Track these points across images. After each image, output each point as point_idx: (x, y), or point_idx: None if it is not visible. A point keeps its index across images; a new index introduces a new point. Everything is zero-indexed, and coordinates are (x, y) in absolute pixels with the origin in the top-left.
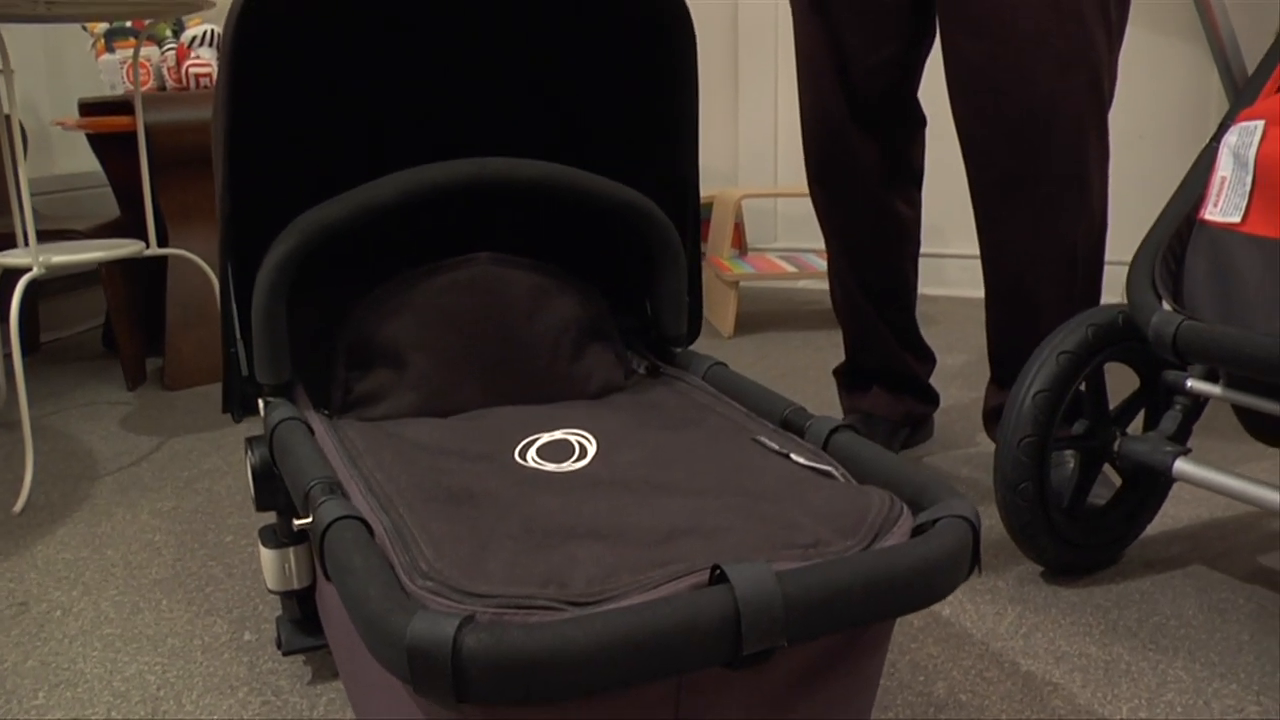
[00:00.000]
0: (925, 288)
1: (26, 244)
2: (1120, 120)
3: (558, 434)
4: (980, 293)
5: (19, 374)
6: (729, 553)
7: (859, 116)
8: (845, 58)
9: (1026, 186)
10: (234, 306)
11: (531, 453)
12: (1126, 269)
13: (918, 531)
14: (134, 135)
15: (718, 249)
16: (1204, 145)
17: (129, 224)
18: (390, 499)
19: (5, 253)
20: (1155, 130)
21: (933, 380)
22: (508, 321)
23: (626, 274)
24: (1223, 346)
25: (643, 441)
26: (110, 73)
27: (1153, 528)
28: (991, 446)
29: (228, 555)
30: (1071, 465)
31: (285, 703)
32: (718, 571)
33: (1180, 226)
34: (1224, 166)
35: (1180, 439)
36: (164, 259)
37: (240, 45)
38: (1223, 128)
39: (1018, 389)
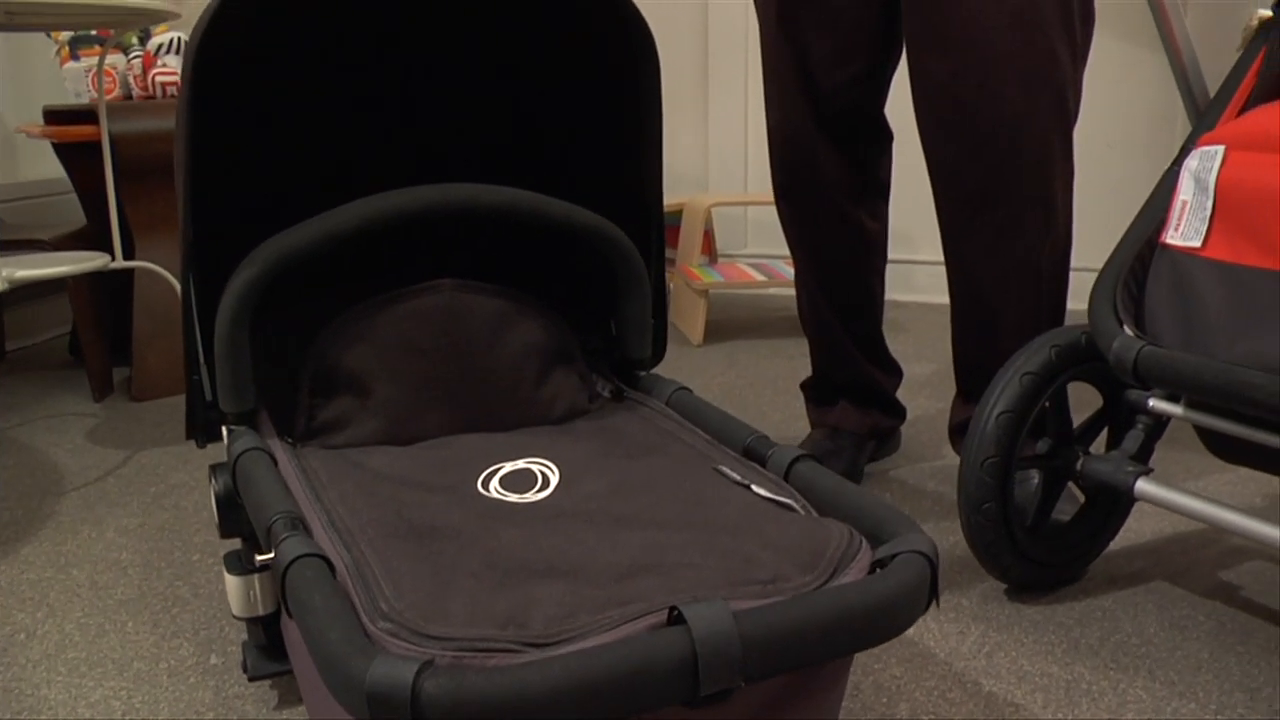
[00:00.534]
0: (894, 294)
1: None
2: (1089, 129)
3: (520, 463)
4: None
5: None
6: (688, 590)
7: (826, 131)
8: (812, 73)
9: (991, 204)
10: (197, 333)
11: (494, 483)
12: (1095, 277)
13: (877, 565)
14: (100, 144)
15: (687, 257)
16: (1173, 155)
17: (96, 233)
18: (352, 534)
19: None
20: (1124, 139)
21: (900, 390)
22: (471, 348)
23: (591, 295)
24: (1182, 373)
25: (605, 470)
26: (75, 80)
27: (1117, 542)
28: (957, 460)
29: (194, 575)
30: (1035, 482)
31: None
32: (675, 612)
33: (1142, 250)
34: (1185, 190)
35: (1143, 458)
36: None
37: (200, 73)
38: (1184, 151)
39: (981, 409)
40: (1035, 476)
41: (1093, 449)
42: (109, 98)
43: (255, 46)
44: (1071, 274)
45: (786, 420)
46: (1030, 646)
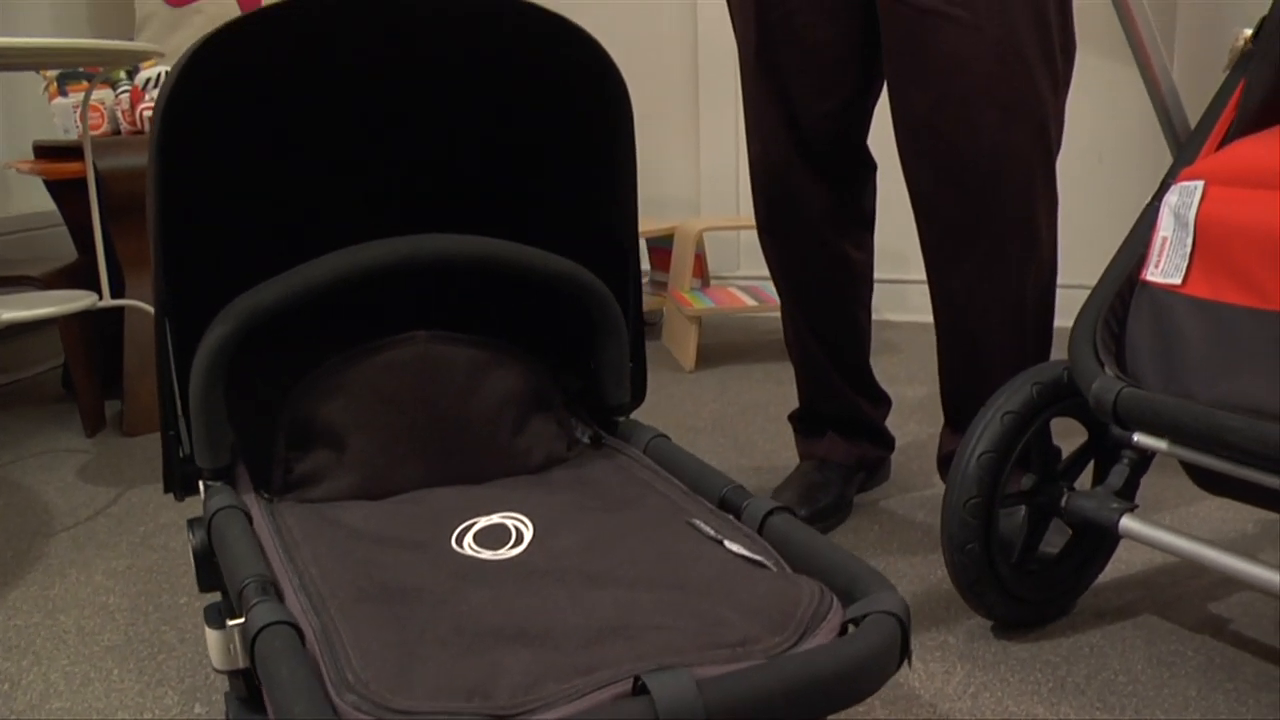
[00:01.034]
0: (888, 314)
1: None
2: (1080, 142)
3: (495, 518)
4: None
5: None
6: (655, 656)
7: (808, 163)
8: (792, 105)
9: (973, 235)
10: (175, 387)
11: (468, 539)
12: (1086, 295)
13: (848, 624)
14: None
15: (679, 282)
16: (1166, 168)
17: (87, 267)
18: (323, 598)
19: None
20: (1115, 152)
21: (892, 414)
22: (447, 400)
23: (569, 338)
24: (1161, 416)
25: (579, 525)
26: (63, 116)
27: (1106, 573)
28: None
29: (181, 619)
30: (1021, 515)
31: None
32: (639, 682)
33: (1122, 287)
34: (1165, 227)
35: (1128, 493)
36: None
37: (168, 132)
38: (1164, 186)
39: (962, 450)
40: (1021, 511)
41: (1080, 483)
42: (97, 133)
43: (223, 102)
44: (1065, 290)
45: (776, 450)
46: (1016, 686)
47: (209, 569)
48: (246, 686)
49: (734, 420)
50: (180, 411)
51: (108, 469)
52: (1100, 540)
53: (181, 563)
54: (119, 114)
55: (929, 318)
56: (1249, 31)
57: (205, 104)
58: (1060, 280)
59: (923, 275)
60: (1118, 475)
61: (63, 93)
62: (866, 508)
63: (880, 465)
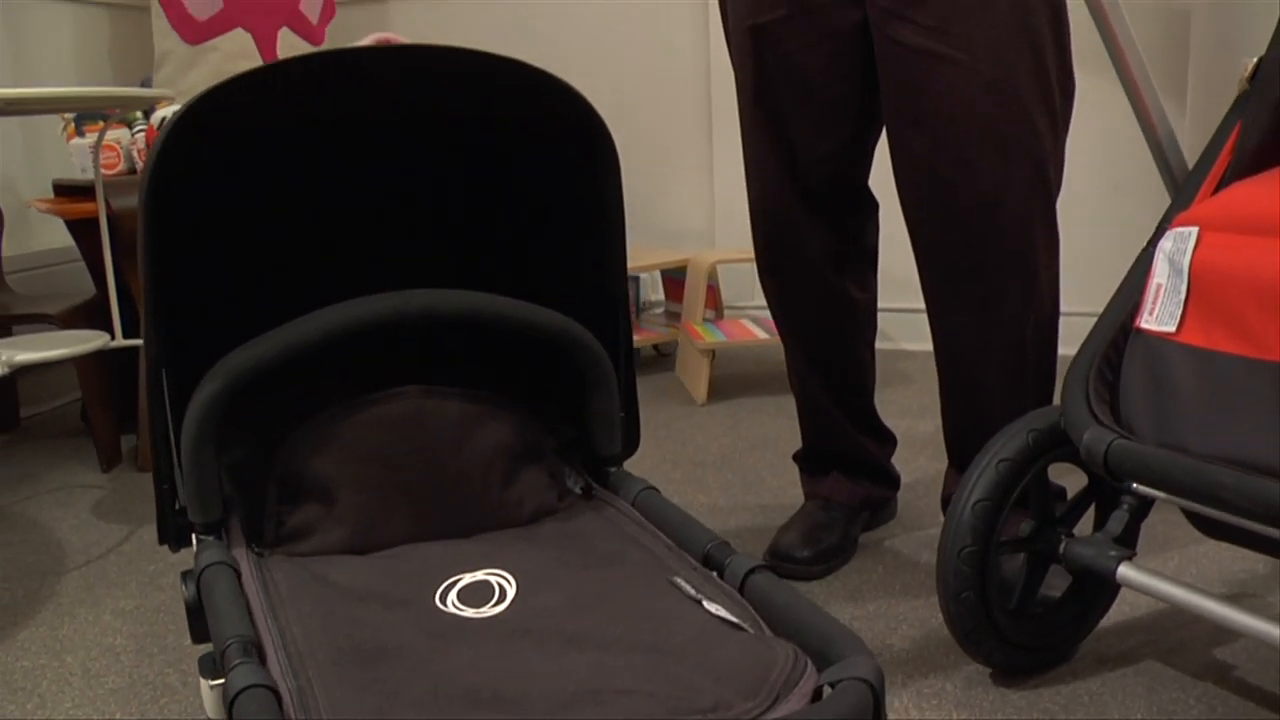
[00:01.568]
0: (903, 342)
1: None
2: (1096, 172)
3: (480, 574)
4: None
5: None
6: None
7: (808, 204)
8: (792, 146)
9: (973, 276)
10: (170, 440)
11: (452, 595)
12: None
13: (822, 689)
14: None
15: (691, 314)
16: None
17: (104, 305)
18: (303, 659)
19: None
20: (1131, 181)
21: (901, 448)
22: (437, 455)
23: (562, 387)
24: (1152, 469)
25: (562, 582)
26: (81, 156)
27: (1110, 617)
28: None
29: (185, 661)
30: (1021, 559)
31: None
32: None
33: (1117, 334)
34: (1160, 274)
35: (1128, 540)
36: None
37: (156, 192)
38: (1159, 231)
39: (958, 497)
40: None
41: (1083, 526)
42: (113, 172)
43: (211, 161)
44: (1079, 319)
45: (784, 486)
46: None
47: (200, 622)
48: None
49: (743, 456)
50: (175, 464)
51: (120, 505)
52: (1100, 587)
53: None
54: (134, 153)
55: None
56: (1251, 62)
57: (194, 163)
58: (1075, 308)
59: None
60: (1117, 521)
61: (80, 133)
62: (871, 547)
63: (885, 504)
